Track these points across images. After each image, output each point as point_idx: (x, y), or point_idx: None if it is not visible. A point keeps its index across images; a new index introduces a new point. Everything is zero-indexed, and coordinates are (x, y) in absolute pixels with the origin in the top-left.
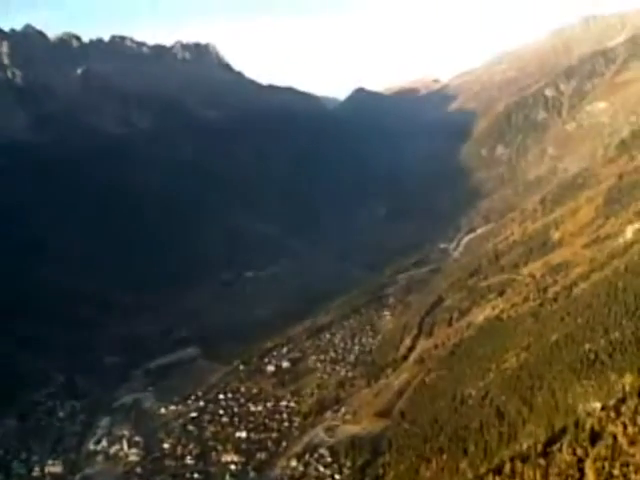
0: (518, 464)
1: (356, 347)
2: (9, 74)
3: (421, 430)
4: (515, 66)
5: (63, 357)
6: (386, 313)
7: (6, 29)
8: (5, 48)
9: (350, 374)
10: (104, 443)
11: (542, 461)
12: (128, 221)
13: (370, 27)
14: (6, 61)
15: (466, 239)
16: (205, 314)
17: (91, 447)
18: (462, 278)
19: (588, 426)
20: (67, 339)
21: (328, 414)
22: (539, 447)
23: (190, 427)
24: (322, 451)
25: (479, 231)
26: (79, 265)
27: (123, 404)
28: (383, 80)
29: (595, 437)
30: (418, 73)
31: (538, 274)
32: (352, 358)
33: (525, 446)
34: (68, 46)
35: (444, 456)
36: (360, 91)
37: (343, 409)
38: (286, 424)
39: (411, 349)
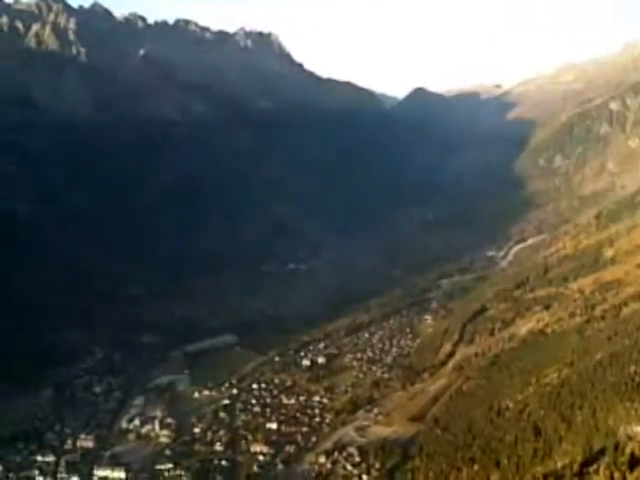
0: None
1: (394, 349)
2: (74, 51)
3: (454, 438)
4: (581, 78)
5: (104, 333)
6: (427, 317)
7: (75, 6)
8: (72, 25)
9: (386, 375)
10: (136, 422)
11: None
12: (177, 207)
13: (436, 25)
14: (72, 37)
15: (515, 249)
16: (244, 303)
17: (123, 425)
18: (508, 288)
19: (628, 450)
20: (110, 316)
21: (360, 413)
22: (575, 467)
23: (222, 414)
24: (351, 450)
25: (530, 242)
26: (127, 247)
27: (158, 385)
28: (444, 81)
29: (635, 462)
30: (480, 77)
31: (587, 290)
32: (389, 359)
33: (560, 465)
34: (133, 26)
35: (475, 466)
36: (420, 91)
37: (376, 410)
38: (317, 419)
39: (450, 355)
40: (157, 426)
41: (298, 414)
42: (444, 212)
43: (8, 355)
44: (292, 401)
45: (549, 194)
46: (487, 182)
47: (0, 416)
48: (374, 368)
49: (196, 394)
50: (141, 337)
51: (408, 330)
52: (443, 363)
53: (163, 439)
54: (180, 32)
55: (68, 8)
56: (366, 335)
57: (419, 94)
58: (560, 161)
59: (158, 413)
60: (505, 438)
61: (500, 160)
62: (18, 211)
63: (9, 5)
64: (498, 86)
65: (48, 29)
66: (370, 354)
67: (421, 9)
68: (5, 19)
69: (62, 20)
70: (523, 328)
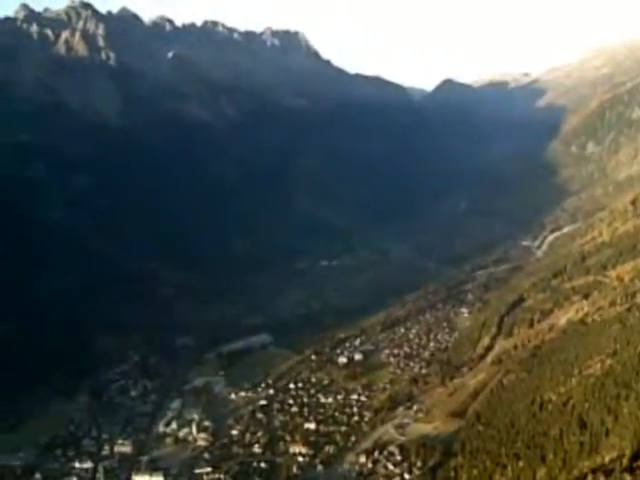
0: (600, 478)
1: (431, 343)
2: (103, 56)
3: (497, 433)
4: (610, 62)
5: (139, 337)
6: (464, 310)
7: (103, 11)
8: (101, 30)
9: (424, 371)
10: (174, 426)
11: (627, 476)
12: (209, 207)
13: (461, 16)
14: (101, 43)
15: (551, 238)
16: (277, 301)
17: (161, 429)
18: (545, 278)
19: None
20: (144, 319)
21: (400, 411)
22: (624, 461)
23: (259, 415)
24: (392, 449)
25: (565, 230)
26: (158, 248)
27: (194, 387)
28: (472, 71)
29: None
30: (508, 66)
31: (626, 278)
32: (427, 354)
33: (608, 459)
34: (161, 30)
35: (520, 463)
36: (448, 82)
37: (415, 407)
38: (356, 418)
39: (489, 349)
40: (194, 429)
41: (336, 413)
42: (477, 202)
43: (43, 361)
44: (330, 400)
45: (583, 181)
46: (519, 171)
47: (37, 423)
48: (412, 364)
49: (232, 395)
50: (175, 339)
51: (445, 324)
52: (482, 357)
53: (201, 442)
54: (208, 34)
55: (96, 14)
56: (402, 330)
57: (448, 86)
58: (593, 147)
59: (195, 416)
60: (550, 432)
61: (532, 148)
62: (50, 215)
63: (39, 13)
64: (526, 74)
65: (77, 35)
66: (407, 349)
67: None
68: (35, 27)
69: (91, 26)
70: (563, 318)
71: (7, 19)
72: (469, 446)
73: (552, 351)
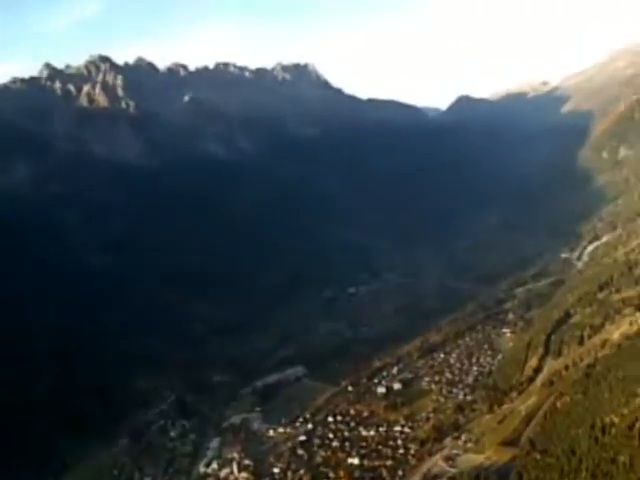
0: None
1: (474, 368)
2: (123, 105)
3: (556, 461)
4: (634, 63)
5: (174, 375)
6: (505, 330)
7: (120, 62)
8: (119, 81)
9: (469, 397)
10: (214, 465)
11: None
12: (233, 241)
13: (468, 32)
14: (120, 93)
15: (590, 248)
16: (308, 332)
17: (201, 469)
18: (591, 291)
19: None
20: (178, 357)
21: (447, 441)
22: None
23: (300, 451)
24: None
25: (604, 239)
26: (189, 285)
27: (232, 424)
28: (487, 86)
29: None
30: (524, 76)
31: None
32: (470, 380)
33: None
34: (176, 75)
35: None
36: (464, 98)
37: (464, 436)
38: (401, 451)
39: (537, 370)
40: (235, 468)
41: (380, 446)
42: (508, 216)
43: (82, 405)
44: (372, 433)
45: (618, 187)
46: (550, 180)
47: (82, 469)
48: (455, 390)
49: (271, 432)
50: (211, 376)
51: (486, 346)
52: (531, 379)
53: None
54: (220, 74)
55: (114, 66)
56: (441, 355)
57: (463, 102)
58: (625, 151)
59: (235, 454)
60: (618, 459)
61: (560, 157)
62: (85, 260)
63: (61, 70)
64: (545, 83)
65: (98, 88)
66: (449, 376)
67: (445, 18)
68: (58, 83)
69: (110, 78)
70: (615, 333)
71: (32, 78)
72: (527, 476)
73: (608, 369)
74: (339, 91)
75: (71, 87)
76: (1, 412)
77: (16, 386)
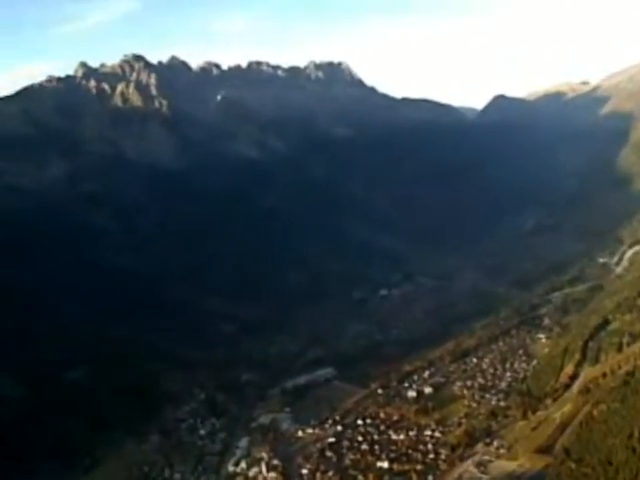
0: None
1: (508, 373)
2: (156, 104)
3: (592, 471)
4: None
5: (204, 374)
6: (541, 336)
7: (154, 62)
8: (153, 80)
9: (502, 403)
10: (243, 465)
11: None
12: (263, 241)
13: (505, 31)
14: (154, 92)
15: (630, 253)
16: (338, 333)
17: (230, 468)
18: (630, 297)
19: None
20: (208, 356)
21: (479, 447)
22: None
23: (328, 453)
24: None
25: None
26: (219, 285)
27: (261, 424)
28: (524, 86)
29: None
30: (563, 76)
31: None
32: (503, 385)
33: None
34: (209, 74)
35: None
36: (500, 98)
37: (496, 442)
38: (431, 456)
39: (573, 377)
40: (264, 468)
41: (410, 450)
42: (545, 219)
43: (114, 402)
44: (402, 437)
45: None
46: (589, 182)
47: (112, 465)
48: (488, 396)
49: (300, 433)
50: (240, 375)
51: (521, 352)
52: (566, 386)
53: None
54: (253, 73)
55: (148, 65)
56: (474, 360)
57: (500, 101)
58: None
59: (264, 454)
60: None
61: (600, 158)
62: (118, 260)
63: (96, 69)
64: (585, 83)
65: (132, 87)
66: (481, 381)
67: (484, 16)
68: (93, 82)
69: (144, 77)
70: None
71: (68, 77)
72: None
73: None
74: (373, 90)
75: (105, 86)
76: (33, 409)
77: (48, 382)
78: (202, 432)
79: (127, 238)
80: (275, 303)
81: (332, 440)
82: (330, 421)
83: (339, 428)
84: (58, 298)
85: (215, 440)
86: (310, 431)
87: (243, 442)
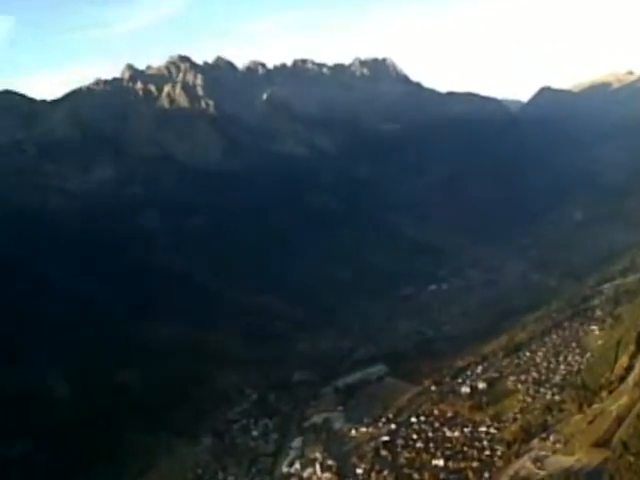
0: None
1: (562, 367)
2: (203, 105)
3: None
4: None
5: (255, 373)
6: (593, 328)
7: (200, 62)
8: (199, 80)
9: (557, 397)
10: (297, 465)
11: None
12: (312, 239)
13: (549, 22)
14: (200, 92)
15: None
16: (388, 330)
17: (284, 469)
18: None
19: None
20: (259, 355)
21: (535, 442)
22: None
23: (383, 452)
24: None
25: None
26: (269, 284)
27: (314, 424)
28: (570, 77)
29: None
30: (608, 66)
31: None
32: (558, 379)
33: None
34: (254, 73)
35: None
36: (545, 90)
37: (552, 437)
38: (487, 452)
39: (629, 369)
40: (318, 469)
41: (465, 448)
42: (593, 211)
43: (166, 405)
44: (456, 434)
45: None
46: (636, 174)
47: (166, 467)
48: (542, 390)
49: (353, 431)
50: (292, 374)
51: (574, 344)
52: (622, 378)
53: None
54: (299, 71)
55: (194, 66)
56: (527, 354)
57: (545, 93)
58: None
59: (317, 454)
60: None
61: None
62: (164, 260)
63: (142, 71)
64: (630, 72)
65: (178, 88)
66: (535, 375)
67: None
68: (140, 84)
69: (190, 77)
70: None
71: (115, 79)
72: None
73: None
74: (418, 85)
75: (152, 87)
76: (87, 412)
77: (99, 385)
78: (255, 433)
79: (175, 239)
80: (324, 301)
81: (386, 438)
82: (383, 419)
83: (393, 426)
84: (108, 300)
85: (268, 441)
86: (363, 430)
87: (296, 442)
